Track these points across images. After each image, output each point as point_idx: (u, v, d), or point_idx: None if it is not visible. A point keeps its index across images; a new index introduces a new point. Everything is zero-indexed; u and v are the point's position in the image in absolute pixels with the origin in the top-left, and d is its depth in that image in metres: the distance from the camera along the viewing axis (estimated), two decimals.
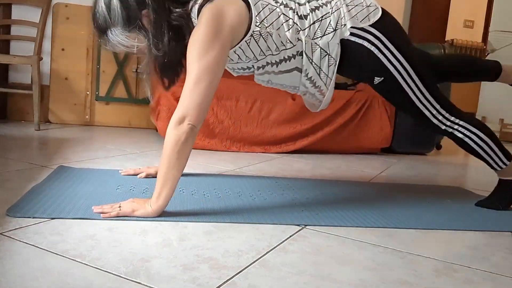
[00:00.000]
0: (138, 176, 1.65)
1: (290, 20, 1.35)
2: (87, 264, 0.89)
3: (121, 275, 0.86)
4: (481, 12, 4.60)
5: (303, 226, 1.26)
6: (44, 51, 3.01)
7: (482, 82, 4.33)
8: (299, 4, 1.39)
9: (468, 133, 1.51)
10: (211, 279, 0.87)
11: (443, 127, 1.51)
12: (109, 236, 1.05)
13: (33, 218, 1.12)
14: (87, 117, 3.14)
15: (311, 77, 1.41)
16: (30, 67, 2.81)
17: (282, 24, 1.34)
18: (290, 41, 1.35)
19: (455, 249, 1.18)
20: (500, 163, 1.56)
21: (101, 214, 1.17)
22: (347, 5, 1.39)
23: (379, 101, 2.78)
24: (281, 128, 2.59)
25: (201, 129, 2.47)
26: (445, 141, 3.77)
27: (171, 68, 1.36)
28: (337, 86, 2.96)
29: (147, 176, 1.65)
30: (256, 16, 1.31)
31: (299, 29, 1.36)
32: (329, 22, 1.37)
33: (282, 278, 0.91)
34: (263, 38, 1.32)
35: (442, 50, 3.30)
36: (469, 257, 1.13)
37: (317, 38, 1.37)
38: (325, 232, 1.22)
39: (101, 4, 1.26)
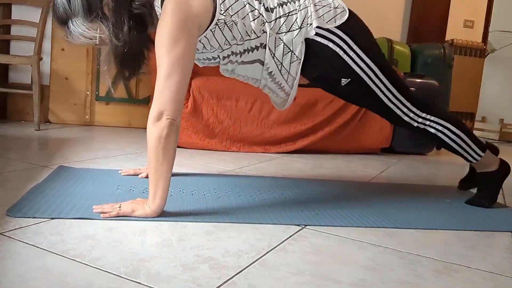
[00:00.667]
0: (138, 176, 1.65)
1: (256, 10, 1.34)
2: (87, 264, 0.89)
3: (121, 275, 0.86)
4: (481, 12, 4.60)
5: (303, 226, 1.26)
6: (44, 51, 3.01)
7: (483, 83, 4.33)
8: None
9: (440, 128, 1.52)
10: (211, 279, 0.87)
11: (415, 124, 1.51)
12: (109, 236, 1.05)
13: (33, 218, 1.12)
14: (87, 117, 3.14)
15: (271, 71, 1.40)
16: (30, 67, 2.81)
17: (248, 14, 1.33)
18: (254, 32, 1.34)
19: (455, 249, 1.18)
20: (475, 155, 1.58)
21: (101, 214, 1.17)
22: (315, 5, 1.39)
23: None
24: (281, 128, 2.59)
25: (201, 129, 2.47)
26: None
27: (132, 59, 1.32)
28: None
29: (147, 176, 1.65)
30: (221, 4, 1.29)
31: (265, 21, 1.35)
32: (295, 19, 1.37)
33: (282, 278, 0.91)
34: (228, 27, 1.31)
35: (442, 50, 3.30)
36: (469, 257, 1.13)
37: (282, 33, 1.36)
38: (325, 232, 1.22)
39: None
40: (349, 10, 1.43)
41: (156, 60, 1.22)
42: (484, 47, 4.17)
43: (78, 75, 3.10)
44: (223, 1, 1.30)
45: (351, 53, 1.39)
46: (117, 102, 3.19)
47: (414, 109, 1.50)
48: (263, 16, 1.35)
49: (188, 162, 2.08)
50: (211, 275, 0.89)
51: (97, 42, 1.29)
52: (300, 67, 1.41)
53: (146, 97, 3.21)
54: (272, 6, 1.37)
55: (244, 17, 1.33)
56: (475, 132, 4.64)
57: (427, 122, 1.51)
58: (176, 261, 0.95)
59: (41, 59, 2.78)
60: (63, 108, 3.10)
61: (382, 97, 1.46)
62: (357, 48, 1.39)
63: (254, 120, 2.55)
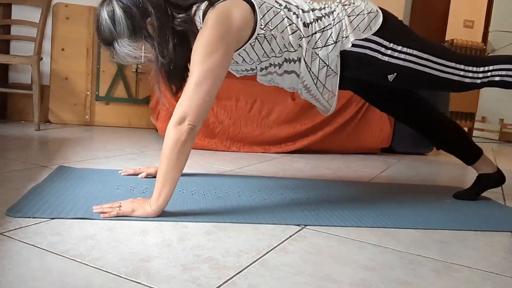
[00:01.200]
0: (138, 176, 1.65)
1: (294, 24, 1.36)
2: (87, 264, 0.89)
3: (121, 275, 0.86)
4: (481, 12, 4.60)
5: (303, 226, 1.26)
6: (44, 51, 3.01)
7: None
8: (303, 11, 1.39)
9: (504, 73, 1.47)
10: (211, 279, 0.87)
11: (479, 81, 1.47)
12: (109, 236, 1.05)
13: (33, 218, 1.12)
14: (87, 117, 3.14)
15: (306, 84, 1.42)
16: (30, 67, 2.81)
17: (286, 27, 1.35)
18: (292, 45, 1.36)
19: (455, 249, 1.18)
20: None
21: (101, 214, 1.17)
22: (348, 16, 1.39)
23: None
24: (281, 128, 2.59)
25: (201, 129, 2.47)
26: None
27: (178, 74, 1.34)
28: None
29: (147, 176, 1.65)
30: (261, 19, 1.31)
31: (302, 35, 1.36)
32: (330, 34, 1.38)
33: (282, 278, 0.91)
34: (267, 40, 1.33)
35: None
36: (469, 257, 1.13)
37: (318, 48, 1.38)
38: (325, 232, 1.22)
39: (105, 17, 1.24)
40: (382, 11, 1.43)
41: (190, 66, 1.23)
42: (484, 47, 4.17)
43: (78, 75, 3.11)
44: (263, 16, 1.31)
45: (389, 52, 1.39)
46: (117, 102, 3.19)
47: (470, 68, 1.46)
48: (300, 31, 1.36)
49: (188, 162, 2.07)
50: (211, 275, 0.89)
51: (143, 61, 1.30)
52: (338, 80, 1.42)
53: (146, 97, 3.21)
54: (308, 21, 1.38)
55: (283, 31, 1.34)
56: (475, 132, 4.64)
57: (489, 74, 1.47)
58: (176, 261, 0.95)
59: (41, 59, 2.78)
60: (63, 108, 3.10)
61: (434, 72, 1.43)
62: (394, 45, 1.39)
63: (254, 120, 2.55)
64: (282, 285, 0.88)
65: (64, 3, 3.04)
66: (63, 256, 0.92)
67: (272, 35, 1.33)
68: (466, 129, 4.36)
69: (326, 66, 1.39)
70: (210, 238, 1.10)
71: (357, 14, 1.40)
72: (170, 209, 1.28)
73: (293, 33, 1.35)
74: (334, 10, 1.41)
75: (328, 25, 1.38)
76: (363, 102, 2.74)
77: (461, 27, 4.66)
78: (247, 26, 1.29)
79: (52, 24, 3.04)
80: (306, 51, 1.37)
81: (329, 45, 1.38)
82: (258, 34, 1.31)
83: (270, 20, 1.33)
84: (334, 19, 1.39)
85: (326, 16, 1.39)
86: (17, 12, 3.01)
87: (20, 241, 0.98)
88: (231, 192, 1.54)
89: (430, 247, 1.18)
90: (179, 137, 1.18)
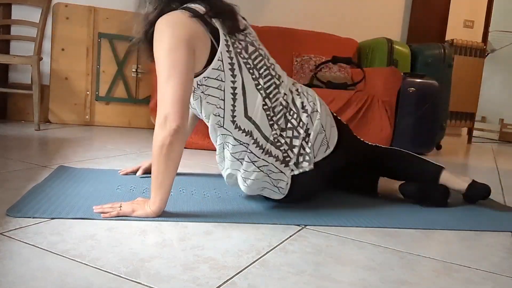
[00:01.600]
0: (136, 174, 1.66)
1: (219, 117, 1.29)
2: (87, 264, 0.89)
3: (121, 275, 0.86)
4: (481, 12, 4.60)
5: (303, 226, 1.26)
6: (44, 51, 3.01)
7: (483, 83, 4.33)
8: (244, 112, 1.28)
9: None
10: (211, 279, 0.87)
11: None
12: (109, 236, 1.05)
13: (33, 218, 1.12)
14: (87, 117, 3.14)
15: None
16: (30, 67, 2.81)
17: (214, 107, 1.28)
18: (208, 119, 1.31)
19: (455, 249, 1.18)
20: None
21: (101, 214, 1.17)
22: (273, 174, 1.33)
23: (379, 101, 2.77)
24: None
25: (201, 129, 2.47)
26: (445, 141, 3.76)
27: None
28: (337, 86, 2.97)
29: (145, 171, 1.66)
30: (204, 77, 1.25)
31: (221, 124, 1.29)
32: (245, 164, 1.32)
33: (282, 278, 0.91)
34: (195, 95, 1.29)
35: (442, 50, 3.30)
36: (469, 257, 1.13)
37: (227, 151, 1.33)
38: (325, 232, 1.22)
39: None
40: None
41: (156, 69, 1.20)
42: (484, 47, 4.16)
43: (78, 75, 3.11)
44: (207, 79, 1.25)
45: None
46: (117, 102, 3.19)
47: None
48: (222, 126, 1.29)
49: (188, 162, 2.08)
50: (211, 275, 0.89)
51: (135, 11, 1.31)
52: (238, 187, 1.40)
53: (146, 97, 3.21)
54: (239, 128, 1.29)
55: (209, 105, 1.28)
56: (475, 132, 4.64)
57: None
58: (176, 261, 0.95)
59: (41, 59, 2.78)
60: (63, 108, 3.10)
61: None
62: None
63: None
64: (282, 285, 0.88)
65: (64, 3, 3.04)
66: (63, 256, 0.92)
67: (200, 97, 1.28)
68: (466, 129, 4.37)
69: (228, 170, 1.37)
70: (210, 238, 1.10)
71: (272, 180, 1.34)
72: (170, 209, 1.28)
73: (216, 115, 1.29)
74: (269, 151, 1.30)
75: (252, 161, 1.31)
76: (363, 102, 2.74)
77: (461, 27, 4.67)
78: (200, 59, 1.24)
79: (52, 24, 3.04)
80: (217, 144, 1.34)
81: (239, 165, 1.33)
82: (197, 84, 1.26)
83: (209, 87, 1.26)
84: (260, 160, 1.31)
85: (252, 155, 1.30)
86: (17, 12, 3.01)
87: (20, 241, 0.98)
88: (231, 192, 1.54)
89: (430, 247, 1.18)
90: (163, 142, 1.14)
